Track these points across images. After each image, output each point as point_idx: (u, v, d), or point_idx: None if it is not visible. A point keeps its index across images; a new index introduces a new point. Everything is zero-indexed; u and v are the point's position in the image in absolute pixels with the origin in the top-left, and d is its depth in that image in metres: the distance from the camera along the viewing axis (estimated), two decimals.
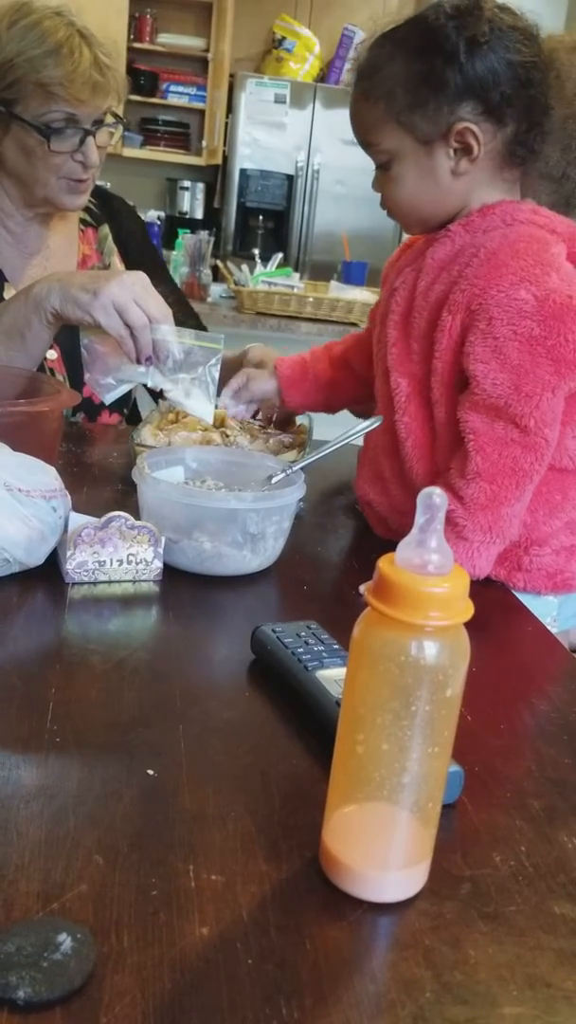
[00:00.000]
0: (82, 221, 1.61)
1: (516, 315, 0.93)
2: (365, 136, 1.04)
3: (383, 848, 0.54)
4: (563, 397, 0.94)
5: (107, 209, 1.67)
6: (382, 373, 1.10)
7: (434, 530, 0.51)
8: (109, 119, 1.42)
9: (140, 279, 1.24)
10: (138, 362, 1.24)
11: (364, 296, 3.13)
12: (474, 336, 0.95)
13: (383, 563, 0.51)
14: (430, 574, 0.50)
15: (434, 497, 0.50)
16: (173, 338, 1.23)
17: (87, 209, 1.62)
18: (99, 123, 1.39)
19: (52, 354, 1.48)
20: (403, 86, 0.98)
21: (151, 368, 1.25)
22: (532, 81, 0.97)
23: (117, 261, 1.65)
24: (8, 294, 1.46)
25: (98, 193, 1.67)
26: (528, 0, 1.04)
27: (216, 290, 3.38)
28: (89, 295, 1.20)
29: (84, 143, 1.37)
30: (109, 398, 1.29)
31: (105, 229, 1.64)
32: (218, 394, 1.28)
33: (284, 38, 5.23)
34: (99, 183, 1.73)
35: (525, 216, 1.00)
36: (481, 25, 0.94)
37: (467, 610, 0.51)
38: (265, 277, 3.18)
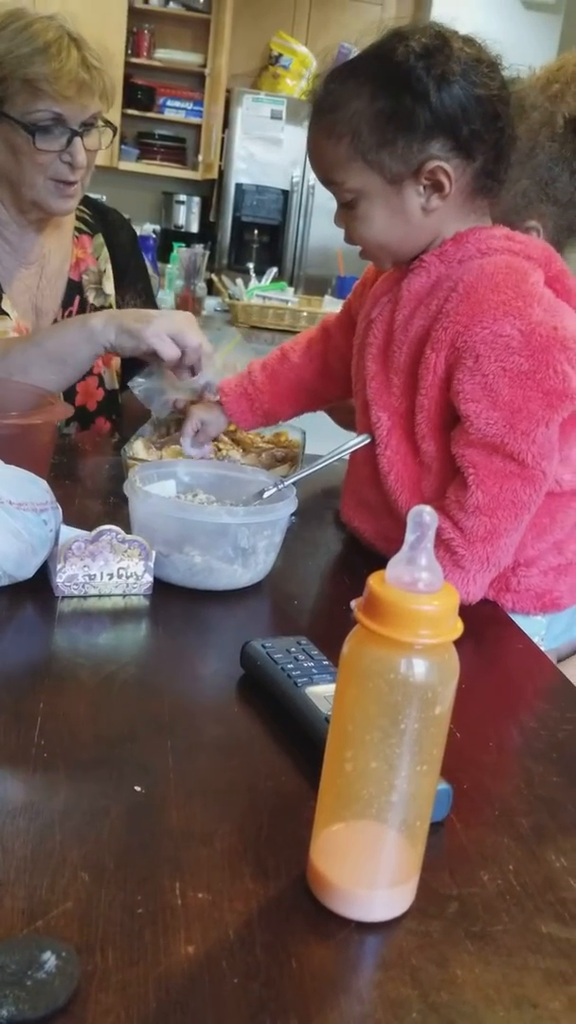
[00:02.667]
0: (77, 229, 1.62)
1: (503, 351, 0.93)
2: (328, 174, 1.01)
3: (370, 866, 0.54)
4: (557, 427, 0.94)
5: (102, 220, 1.68)
6: (362, 404, 1.10)
7: (424, 548, 0.51)
8: (100, 124, 1.43)
9: (186, 315, 1.37)
10: (192, 375, 1.34)
11: None
12: (462, 374, 0.95)
13: (373, 580, 0.52)
14: (420, 592, 0.50)
15: (424, 515, 0.50)
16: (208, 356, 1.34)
17: (82, 219, 1.64)
18: (87, 125, 1.40)
19: None
20: (369, 124, 0.95)
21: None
22: (499, 113, 0.95)
23: (111, 270, 1.66)
24: (5, 304, 1.47)
25: (93, 205, 1.68)
26: (523, 26, 1.05)
27: (211, 303, 3.39)
28: (143, 325, 1.30)
29: (71, 143, 1.38)
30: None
31: (100, 238, 1.66)
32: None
33: (281, 55, 5.26)
34: (95, 196, 1.74)
35: (499, 244, 0.99)
36: (451, 63, 0.92)
37: (456, 628, 0.51)
38: (259, 291, 3.19)
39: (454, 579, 0.97)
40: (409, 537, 0.51)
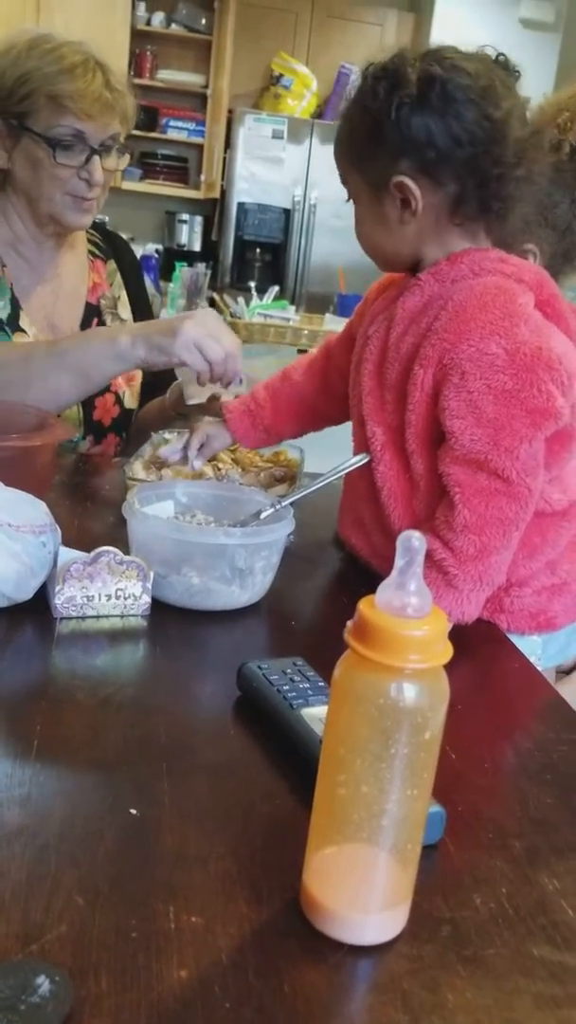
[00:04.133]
0: (91, 253, 1.65)
1: (488, 369, 0.94)
2: (340, 172, 1.09)
3: (363, 890, 0.55)
4: (541, 445, 0.95)
5: (111, 245, 1.72)
6: (358, 420, 1.11)
7: (413, 573, 0.51)
8: (118, 146, 1.46)
9: (211, 315, 1.35)
10: (224, 387, 1.37)
11: None
12: (448, 391, 0.96)
13: (363, 605, 0.52)
14: (409, 617, 0.51)
15: (413, 540, 0.51)
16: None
17: (94, 243, 1.67)
18: (106, 146, 1.43)
19: None
20: (357, 136, 1.02)
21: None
22: (474, 141, 0.95)
23: (125, 296, 1.69)
24: (23, 321, 1.49)
25: (100, 229, 1.71)
26: (521, 45, 1.06)
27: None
28: (171, 338, 1.29)
29: (90, 161, 1.42)
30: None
31: (112, 264, 1.69)
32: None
33: (282, 75, 5.32)
34: (99, 218, 1.77)
35: (493, 265, 1.00)
36: (409, 87, 0.95)
37: (446, 652, 0.51)
38: (261, 309, 3.22)
39: (448, 599, 0.97)
40: (398, 562, 0.52)
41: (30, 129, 1.40)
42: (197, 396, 1.46)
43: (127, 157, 1.51)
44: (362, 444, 1.10)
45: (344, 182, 1.08)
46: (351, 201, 1.08)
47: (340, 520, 1.20)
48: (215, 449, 1.30)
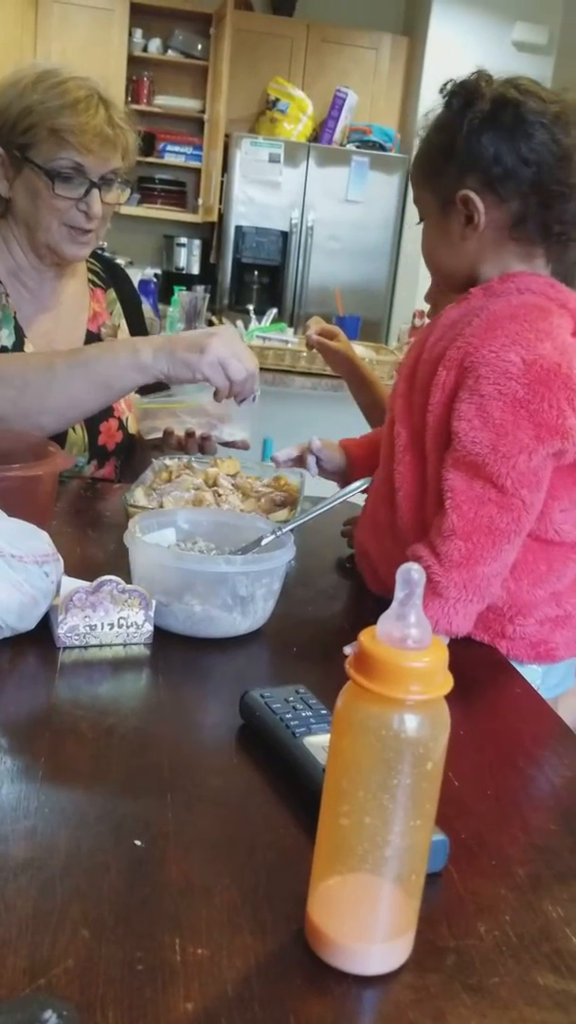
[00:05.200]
0: (91, 282, 1.67)
1: (503, 376, 0.95)
2: (413, 191, 1.14)
3: (367, 921, 0.55)
4: (543, 460, 0.96)
5: (111, 274, 1.74)
6: (388, 422, 1.13)
7: (413, 605, 0.52)
8: (119, 180, 1.49)
9: (233, 334, 1.39)
10: (239, 403, 1.43)
11: (357, 351, 3.17)
12: (462, 392, 0.98)
13: (364, 637, 0.53)
14: (409, 648, 0.51)
15: (412, 572, 0.52)
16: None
17: (95, 272, 1.69)
18: (107, 180, 1.45)
19: None
20: (429, 153, 1.08)
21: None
22: (540, 163, 0.99)
23: (125, 325, 1.71)
24: (28, 348, 1.50)
25: (101, 258, 1.73)
26: (515, 68, 1.08)
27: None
28: (197, 355, 1.32)
29: (89, 194, 1.44)
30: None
31: (112, 294, 1.71)
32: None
33: (278, 99, 5.37)
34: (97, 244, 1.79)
35: (540, 287, 1.03)
36: (483, 103, 1.00)
37: (447, 683, 0.52)
38: (260, 332, 3.23)
39: (434, 608, 0.97)
40: (398, 594, 0.52)
41: (31, 160, 1.42)
42: (154, 432, 1.50)
43: (128, 191, 1.53)
44: (389, 445, 1.11)
45: (416, 200, 1.13)
46: (421, 221, 1.13)
47: (358, 524, 1.22)
48: (332, 460, 1.36)
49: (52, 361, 1.38)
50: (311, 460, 1.35)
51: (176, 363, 1.33)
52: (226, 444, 1.56)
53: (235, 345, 1.35)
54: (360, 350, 3.20)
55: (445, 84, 1.06)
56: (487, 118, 1.00)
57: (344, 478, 1.35)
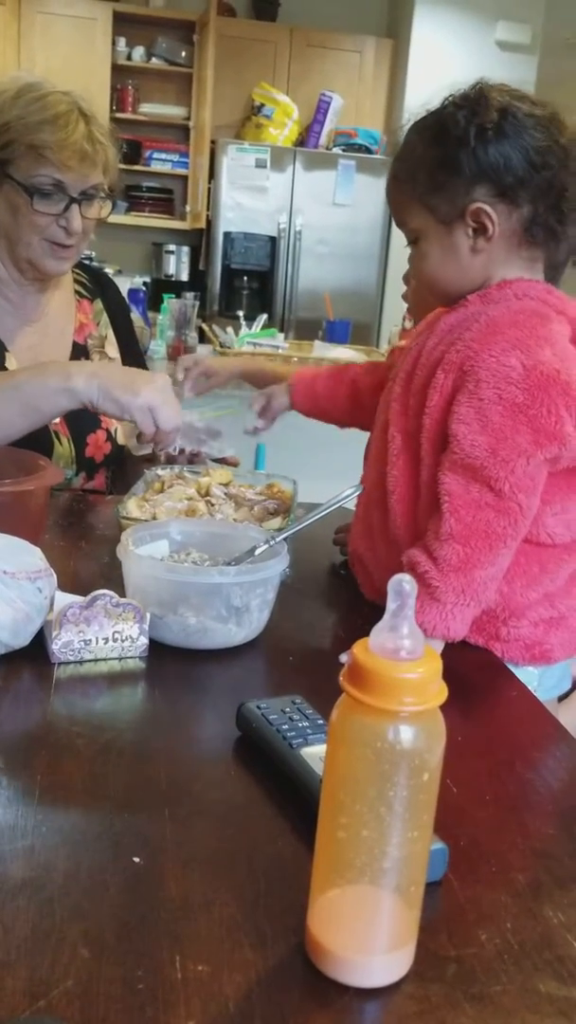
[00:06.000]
0: (77, 293, 1.66)
1: (503, 381, 0.95)
2: (396, 214, 1.11)
3: (367, 933, 0.55)
4: (540, 465, 0.96)
5: (97, 284, 1.73)
6: (381, 425, 1.13)
7: (405, 616, 0.52)
8: (101, 195, 1.48)
9: (167, 383, 1.36)
10: (159, 451, 1.41)
11: (348, 355, 3.18)
12: (461, 396, 0.98)
13: (357, 649, 0.53)
14: (403, 660, 0.51)
15: (404, 584, 0.52)
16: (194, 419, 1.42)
17: (81, 283, 1.68)
18: (87, 195, 1.45)
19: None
20: (424, 170, 1.04)
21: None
22: (547, 165, 1.00)
23: (112, 335, 1.70)
24: (9, 363, 1.50)
25: (87, 268, 1.73)
26: (498, 67, 1.09)
27: (202, 351, 3.42)
28: (131, 396, 1.30)
29: (68, 209, 1.43)
30: None
31: (99, 304, 1.70)
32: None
33: (263, 105, 5.37)
34: (86, 253, 1.79)
35: (537, 293, 1.03)
36: (490, 113, 0.99)
37: (441, 693, 0.52)
38: (250, 338, 3.23)
39: (431, 613, 0.97)
40: (390, 605, 0.52)
41: (11, 176, 1.42)
42: (143, 449, 1.49)
43: (110, 205, 1.52)
44: (381, 449, 1.11)
45: (401, 224, 1.10)
46: (411, 244, 1.10)
47: (352, 529, 1.22)
48: (275, 409, 1.39)
49: None
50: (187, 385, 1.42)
51: (107, 399, 1.30)
52: (217, 461, 1.56)
53: (168, 395, 1.33)
54: (350, 353, 3.20)
55: (447, 98, 1.04)
56: (495, 127, 0.99)
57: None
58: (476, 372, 0.97)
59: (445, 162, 1.02)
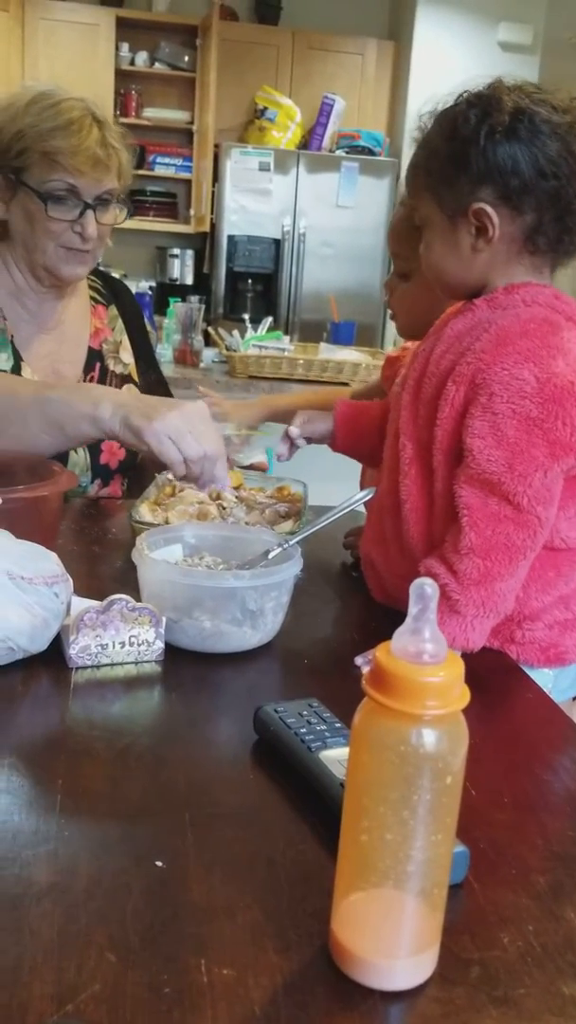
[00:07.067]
0: (92, 299, 1.67)
1: (516, 394, 0.95)
2: (410, 199, 1.11)
3: (391, 936, 0.55)
4: (558, 477, 0.96)
5: (112, 290, 1.74)
6: (392, 433, 1.13)
7: (427, 620, 0.52)
8: (116, 201, 1.49)
9: (200, 411, 1.27)
10: (200, 489, 1.30)
11: (354, 356, 3.18)
12: (475, 409, 0.97)
13: (380, 653, 0.53)
14: (426, 663, 0.51)
15: (426, 587, 0.52)
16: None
17: (95, 288, 1.69)
18: (102, 200, 1.45)
19: None
20: (437, 161, 1.04)
21: None
22: (556, 174, 0.98)
23: (126, 340, 1.71)
24: (25, 372, 1.50)
25: (101, 274, 1.74)
26: (500, 68, 1.08)
27: (208, 355, 3.43)
28: (145, 422, 1.22)
29: (83, 215, 1.44)
30: None
31: (114, 310, 1.71)
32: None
33: (266, 108, 5.38)
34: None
35: (545, 299, 1.02)
36: (501, 115, 0.98)
37: (464, 697, 0.52)
38: (256, 341, 3.23)
39: (452, 625, 0.98)
40: (412, 609, 0.52)
41: (25, 183, 1.42)
42: (185, 483, 1.40)
43: (126, 211, 1.53)
44: (393, 458, 1.11)
45: (414, 209, 1.10)
46: (419, 231, 1.10)
47: (364, 535, 1.22)
48: (316, 430, 1.32)
49: (14, 389, 1.35)
50: (294, 444, 1.34)
51: (125, 426, 1.24)
52: (245, 468, 1.56)
53: (196, 423, 1.24)
54: (356, 355, 3.20)
55: (461, 94, 1.03)
56: (505, 130, 0.98)
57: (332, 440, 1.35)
58: (489, 385, 0.96)
59: (455, 157, 1.01)
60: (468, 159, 1.00)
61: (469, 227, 1.03)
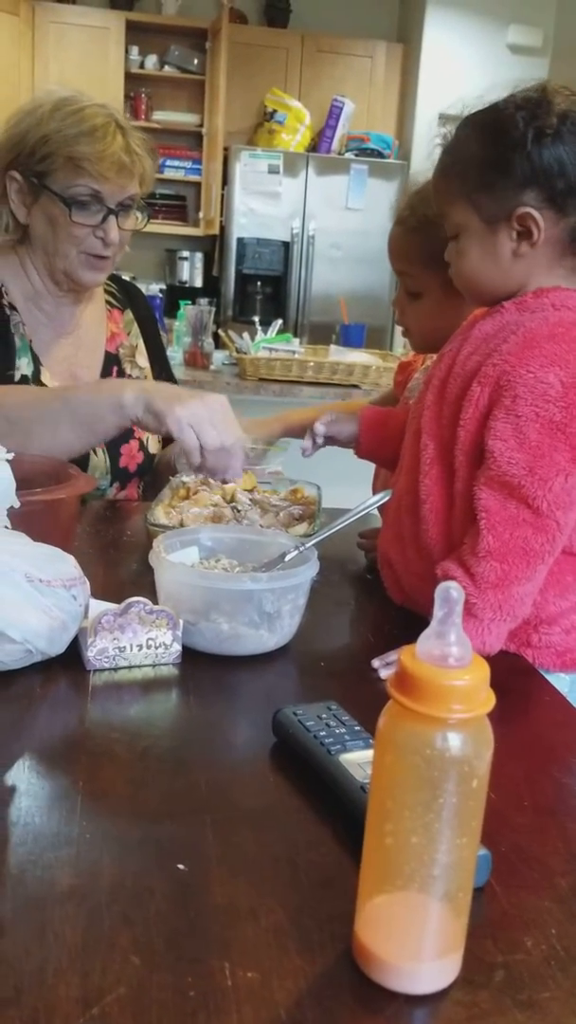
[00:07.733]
0: (108, 303, 1.68)
1: (540, 398, 0.95)
2: (439, 207, 1.09)
3: (416, 939, 0.55)
4: None
5: (127, 294, 1.75)
6: (413, 432, 1.13)
7: (453, 623, 0.52)
8: (136, 207, 1.50)
9: (222, 403, 1.29)
10: (217, 481, 1.33)
11: (364, 359, 3.18)
12: (498, 411, 0.97)
13: (405, 656, 0.53)
14: (451, 667, 0.51)
15: (451, 591, 0.52)
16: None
17: (111, 293, 1.70)
18: (124, 206, 1.46)
19: None
20: (475, 167, 1.02)
21: None
22: None
23: (142, 344, 1.72)
24: (44, 376, 1.51)
25: (117, 280, 1.75)
26: (510, 70, 1.08)
27: (219, 357, 3.44)
28: (168, 407, 1.25)
29: (106, 220, 1.44)
30: None
31: (129, 314, 1.72)
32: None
33: (275, 111, 5.39)
34: None
35: (574, 304, 1.02)
36: (549, 118, 0.97)
37: (489, 700, 0.52)
38: (266, 344, 3.24)
39: (468, 628, 0.97)
40: (437, 612, 0.52)
41: (49, 188, 1.43)
42: (188, 473, 1.44)
43: (146, 217, 1.54)
44: (414, 457, 1.11)
45: (444, 217, 1.08)
46: (452, 239, 1.08)
47: (381, 534, 1.22)
48: (342, 431, 1.33)
49: (40, 398, 1.37)
50: (316, 441, 1.34)
51: (148, 411, 1.27)
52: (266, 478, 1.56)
53: (217, 413, 1.27)
54: (366, 357, 3.20)
55: (509, 97, 1.02)
56: (552, 133, 0.97)
57: (354, 442, 1.35)
58: (513, 387, 0.96)
59: (497, 163, 1.00)
60: (511, 163, 0.99)
61: (510, 232, 1.02)
